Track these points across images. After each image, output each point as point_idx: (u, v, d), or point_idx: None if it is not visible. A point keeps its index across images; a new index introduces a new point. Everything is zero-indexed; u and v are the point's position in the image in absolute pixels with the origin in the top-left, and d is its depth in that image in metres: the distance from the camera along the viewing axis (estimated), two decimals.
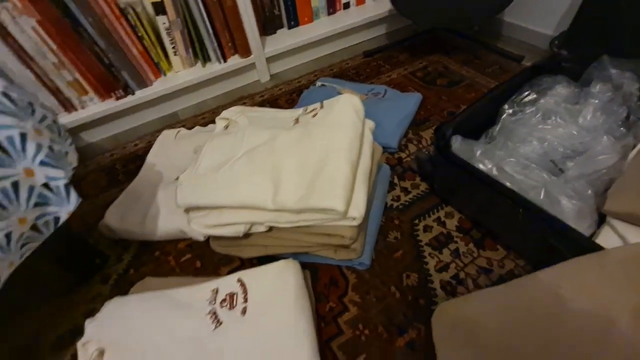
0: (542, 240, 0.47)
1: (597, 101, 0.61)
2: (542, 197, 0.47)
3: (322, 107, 0.54)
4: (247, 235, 0.52)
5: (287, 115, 0.58)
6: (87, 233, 0.66)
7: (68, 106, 0.83)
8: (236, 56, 0.97)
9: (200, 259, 0.60)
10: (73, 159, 0.43)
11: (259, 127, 0.55)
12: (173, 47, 0.89)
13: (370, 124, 0.55)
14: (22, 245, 0.38)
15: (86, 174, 0.80)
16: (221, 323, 0.43)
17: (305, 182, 0.45)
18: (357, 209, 0.44)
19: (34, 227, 0.38)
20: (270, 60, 1.02)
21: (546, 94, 0.67)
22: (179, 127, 0.87)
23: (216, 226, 0.50)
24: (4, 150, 0.34)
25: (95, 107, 0.86)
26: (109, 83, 0.84)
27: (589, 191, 0.51)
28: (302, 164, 0.46)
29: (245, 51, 0.96)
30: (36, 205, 0.37)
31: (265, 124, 0.56)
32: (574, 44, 0.71)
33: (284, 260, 0.49)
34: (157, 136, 0.82)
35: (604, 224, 0.49)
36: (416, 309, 0.50)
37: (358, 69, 1.03)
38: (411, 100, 0.82)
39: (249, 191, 0.47)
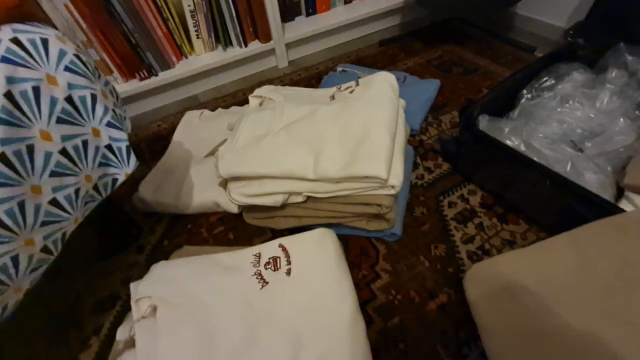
0: (566, 210, 0.50)
1: (613, 86, 0.64)
2: (568, 169, 0.50)
3: (357, 84, 0.56)
4: (282, 206, 0.55)
5: (322, 93, 0.60)
6: (121, 205, 0.67)
7: None
8: (256, 41, 0.99)
9: (233, 231, 0.62)
10: (128, 124, 0.45)
11: (297, 102, 0.57)
12: (196, 30, 0.90)
13: (402, 102, 0.57)
14: (85, 203, 0.39)
15: None
16: (267, 283, 0.45)
17: (347, 151, 0.47)
18: (397, 178, 0.46)
19: (95, 187, 0.40)
20: (288, 46, 1.04)
21: (563, 80, 0.70)
22: (200, 109, 0.88)
23: (256, 195, 0.52)
24: (77, 110, 0.35)
25: (118, 87, 0.87)
26: (134, 64, 0.85)
27: (608, 167, 0.54)
28: (343, 135, 0.49)
29: (266, 36, 0.97)
30: (100, 165, 0.39)
31: (302, 101, 0.58)
32: (590, 33, 0.74)
33: (321, 228, 0.51)
34: (179, 117, 0.84)
35: (622, 197, 0.52)
36: (446, 276, 0.53)
37: (374, 57, 1.05)
38: (430, 86, 0.84)
39: (290, 161, 0.49)
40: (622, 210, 0.43)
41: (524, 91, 0.71)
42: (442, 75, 0.93)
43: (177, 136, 0.78)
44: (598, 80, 0.67)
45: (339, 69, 0.93)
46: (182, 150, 0.74)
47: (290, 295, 0.44)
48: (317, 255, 0.47)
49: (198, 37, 0.92)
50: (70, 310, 0.55)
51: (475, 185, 0.64)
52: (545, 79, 0.71)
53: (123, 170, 0.42)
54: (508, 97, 0.71)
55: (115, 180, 0.42)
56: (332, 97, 0.57)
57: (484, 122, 0.58)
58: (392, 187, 0.47)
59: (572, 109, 0.64)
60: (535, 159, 0.50)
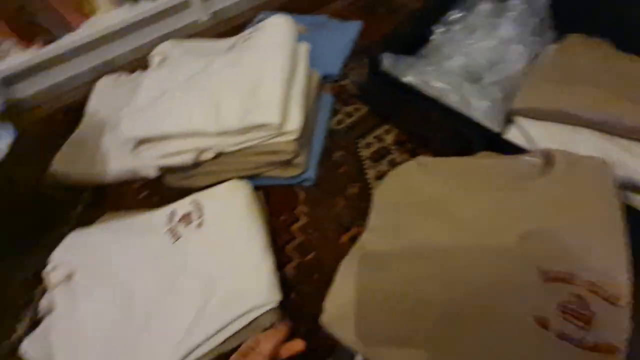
0: (459, 139, 0.54)
1: (513, 13, 0.66)
2: (456, 100, 0.53)
3: (255, 30, 0.55)
4: (197, 164, 0.55)
5: (222, 43, 0.58)
6: (37, 184, 0.65)
7: None
8: None
9: (157, 195, 0.63)
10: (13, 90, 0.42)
11: (194, 56, 0.55)
12: None
13: (305, 45, 0.57)
14: None
15: (23, 128, 0.76)
16: (180, 237, 0.47)
17: (243, 101, 0.47)
18: (294, 123, 0.48)
19: None
20: None
21: (471, 12, 0.71)
22: (118, 73, 0.83)
23: (165, 156, 0.53)
24: None
25: (17, 56, 0.79)
26: (27, 28, 0.77)
27: (500, 94, 0.57)
28: (238, 85, 0.48)
29: None
30: None
31: (201, 54, 0.56)
32: None
33: (234, 180, 0.53)
34: (95, 85, 0.79)
35: (511, 123, 0.56)
36: (359, 211, 0.56)
37: (300, 1, 1.00)
38: (351, 29, 0.83)
39: (190, 117, 0.49)
40: (507, 141, 0.47)
41: (435, 26, 0.71)
42: (366, 16, 0.91)
43: (91, 105, 0.75)
44: (502, 9, 0.69)
45: (259, 17, 0.89)
46: (97, 120, 0.71)
47: (201, 245, 0.46)
48: (228, 206, 0.49)
49: None
50: (1, 289, 0.56)
51: (391, 124, 0.67)
52: (455, 11, 0.71)
53: (2, 141, 0.40)
54: (420, 33, 0.71)
55: None
56: (232, 47, 0.55)
57: (388, 61, 0.59)
58: (291, 132, 0.48)
59: (478, 40, 0.66)
60: (428, 93, 0.52)
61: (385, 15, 0.92)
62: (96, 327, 0.41)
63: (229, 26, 0.96)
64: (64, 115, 0.78)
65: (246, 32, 0.56)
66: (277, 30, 0.51)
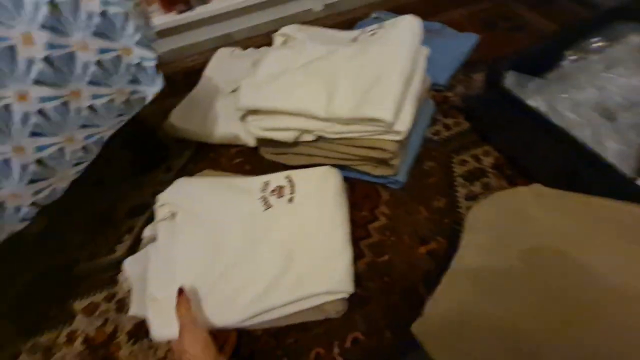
0: (575, 178, 0.49)
1: None
2: (587, 135, 0.48)
3: (381, 27, 0.55)
4: (295, 143, 0.58)
5: (345, 34, 0.60)
6: (155, 131, 0.74)
7: None
8: None
9: (250, 164, 0.67)
10: (156, 47, 0.49)
11: (317, 42, 0.57)
12: None
13: (425, 50, 0.56)
14: (118, 115, 0.45)
15: None
16: (271, 206, 0.50)
17: (359, 93, 0.48)
18: (404, 124, 0.47)
19: (127, 102, 0.45)
20: None
21: (616, 42, 0.63)
22: (233, 47, 0.91)
23: (270, 130, 0.56)
24: (112, 25, 0.39)
25: (159, 19, 0.90)
26: None
27: (637, 138, 0.50)
28: (357, 77, 0.49)
29: None
30: (131, 81, 0.44)
31: (324, 41, 0.58)
32: None
33: (328, 166, 0.54)
34: (213, 53, 0.87)
35: None
36: (441, 227, 0.55)
37: (415, 5, 0.99)
38: (466, 41, 0.79)
39: (304, 98, 0.51)
40: (629, 181, 0.42)
41: (568, 51, 0.65)
42: (485, 29, 0.87)
43: (208, 71, 0.82)
44: None
45: (374, 15, 0.90)
46: (212, 85, 0.78)
47: (289, 219, 0.48)
48: (319, 189, 0.51)
49: None
50: (109, 213, 0.65)
51: (492, 146, 0.63)
52: (595, 39, 0.64)
53: (151, 89, 0.46)
54: (550, 56, 0.66)
55: (143, 98, 0.46)
56: (355, 39, 0.57)
57: (510, 79, 0.55)
58: (398, 132, 0.48)
59: (618, 75, 0.59)
60: (554, 122, 0.48)
61: (507, 31, 0.86)
62: (187, 262, 0.46)
63: (339, 19, 0.99)
64: (185, 76, 0.88)
65: (372, 26, 0.56)
66: (406, 30, 0.51)
